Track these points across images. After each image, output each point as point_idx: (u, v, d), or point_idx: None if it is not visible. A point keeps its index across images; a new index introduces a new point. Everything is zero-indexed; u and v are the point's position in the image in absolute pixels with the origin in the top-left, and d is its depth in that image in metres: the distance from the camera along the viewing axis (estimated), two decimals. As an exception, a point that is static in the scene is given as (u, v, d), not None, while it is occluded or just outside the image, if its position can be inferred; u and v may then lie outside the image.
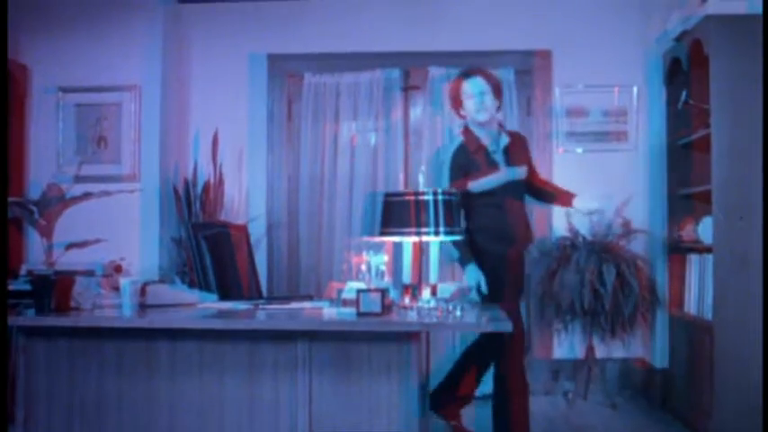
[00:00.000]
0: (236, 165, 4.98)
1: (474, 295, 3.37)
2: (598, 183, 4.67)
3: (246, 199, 5.00)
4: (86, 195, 3.82)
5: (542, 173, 4.49)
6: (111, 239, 4.24)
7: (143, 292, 3.04)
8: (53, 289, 2.81)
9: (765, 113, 3.58)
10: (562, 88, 4.88)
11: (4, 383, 2.67)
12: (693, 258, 4.18)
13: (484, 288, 3.42)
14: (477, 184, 3.54)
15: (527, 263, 3.82)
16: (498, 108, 3.66)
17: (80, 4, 4.86)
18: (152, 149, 4.79)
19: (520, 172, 3.64)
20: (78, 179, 4.55)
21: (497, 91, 3.63)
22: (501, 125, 3.74)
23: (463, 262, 3.49)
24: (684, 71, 4.24)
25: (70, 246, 3.59)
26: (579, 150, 4.87)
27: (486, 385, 3.71)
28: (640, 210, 4.72)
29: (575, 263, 4.38)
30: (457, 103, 3.64)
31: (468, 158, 3.56)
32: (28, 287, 3.23)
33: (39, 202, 3.51)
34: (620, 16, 4.86)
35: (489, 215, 3.57)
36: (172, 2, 4.97)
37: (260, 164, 5.02)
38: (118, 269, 4.35)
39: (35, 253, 4.45)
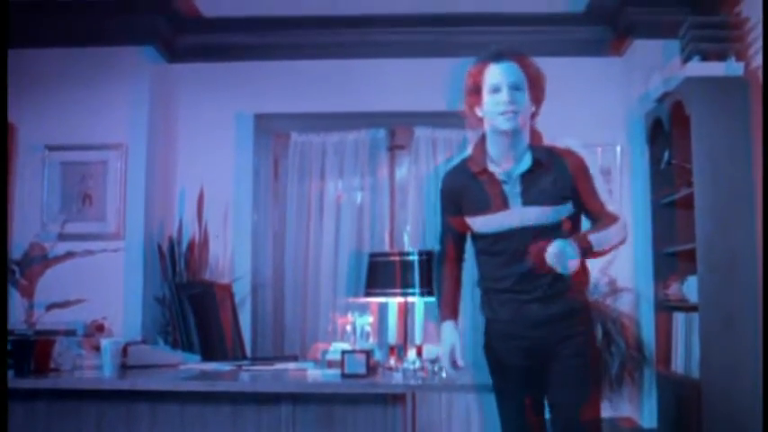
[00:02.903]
0: (222, 223, 4.97)
1: (447, 365, 2.65)
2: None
3: (231, 257, 4.97)
4: (69, 254, 3.77)
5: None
6: (94, 298, 4.18)
7: (125, 352, 3.00)
8: (33, 350, 2.77)
9: (765, 159, 3.58)
10: (546, 147, 4.92)
11: (4, 385, 2.60)
12: (680, 316, 4.18)
13: (458, 353, 2.63)
14: (474, 222, 2.61)
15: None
16: (534, 114, 2.59)
17: (67, 62, 4.87)
18: (137, 207, 4.78)
19: (545, 214, 2.51)
20: (62, 237, 4.50)
21: (537, 88, 2.56)
22: (535, 135, 2.60)
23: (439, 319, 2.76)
24: (666, 131, 4.29)
25: (51, 306, 3.53)
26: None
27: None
28: (625, 268, 4.73)
29: (561, 322, 4.36)
30: (474, 98, 2.56)
31: (465, 183, 2.62)
32: (8, 347, 3.18)
33: (21, 261, 3.47)
34: (603, 76, 4.93)
35: (490, 266, 2.64)
36: (160, 61, 5.01)
37: (245, 222, 5.01)
38: (100, 329, 4.28)
39: (15, 313, 4.39)
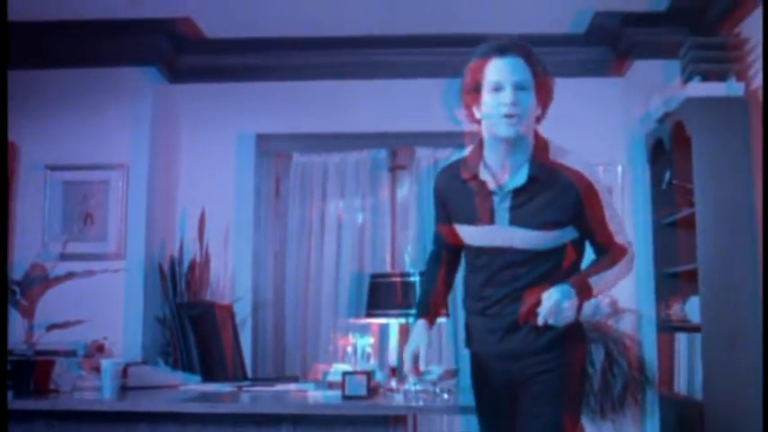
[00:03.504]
0: (223, 243, 4.96)
1: (408, 368, 2.42)
2: (584, 260, 4.68)
3: (232, 277, 4.96)
4: (70, 275, 3.77)
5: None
6: (94, 318, 4.16)
7: (125, 373, 2.99)
8: (32, 371, 2.76)
9: (766, 179, 3.58)
10: (547, 168, 4.92)
11: (4, 384, 2.58)
12: (682, 337, 4.16)
13: (422, 358, 2.39)
14: (461, 231, 2.35)
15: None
16: (539, 118, 2.27)
17: (70, 82, 4.89)
18: (138, 227, 4.78)
19: (531, 239, 2.22)
20: (63, 257, 4.50)
21: (545, 88, 2.25)
22: (540, 144, 2.27)
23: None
24: (667, 151, 4.30)
25: (52, 326, 3.52)
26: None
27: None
28: (627, 288, 4.70)
29: (563, 343, 4.34)
30: (472, 97, 2.25)
31: (454, 187, 2.35)
32: (8, 368, 3.17)
33: (21, 281, 3.47)
34: (604, 97, 4.94)
35: (471, 282, 2.41)
36: (162, 81, 5.03)
37: (246, 242, 5.01)
38: (100, 349, 4.27)
39: (15, 333, 4.37)
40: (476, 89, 2.23)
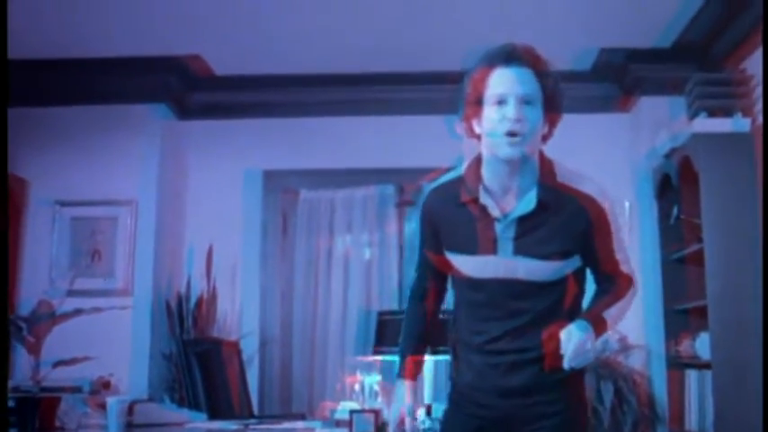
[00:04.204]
0: (230, 279, 4.96)
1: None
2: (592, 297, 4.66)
3: (239, 314, 4.95)
4: (77, 312, 3.77)
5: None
6: (101, 354, 4.16)
7: (130, 410, 2.97)
8: (37, 408, 2.74)
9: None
10: (555, 203, 4.91)
11: (5, 384, 2.55)
12: (692, 374, 4.12)
13: (408, 424, 2.14)
14: (454, 260, 2.10)
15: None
16: (546, 137, 2.04)
17: (80, 119, 4.94)
18: (146, 263, 4.78)
19: (538, 270, 2.01)
20: (71, 293, 4.50)
21: (555, 103, 2.02)
22: (546, 166, 2.05)
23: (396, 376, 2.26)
24: (674, 187, 4.29)
25: (58, 363, 3.52)
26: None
27: None
28: (636, 325, 4.68)
29: (572, 380, 4.31)
30: (473, 109, 2.00)
31: (450, 211, 2.09)
32: (12, 404, 3.16)
33: (28, 318, 3.47)
34: (610, 133, 4.95)
35: (464, 316, 2.16)
36: (171, 118, 5.07)
37: (253, 279, 5.00)
38: (106, 386, 4.25)
39: (21, 369, 4.36)
40: (477, 101, 1.98)
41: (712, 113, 3.99)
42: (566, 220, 2.00)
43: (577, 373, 2.06)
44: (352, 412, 2.69)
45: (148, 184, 4.86)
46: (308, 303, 5.00)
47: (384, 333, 3.82)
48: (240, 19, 4.30)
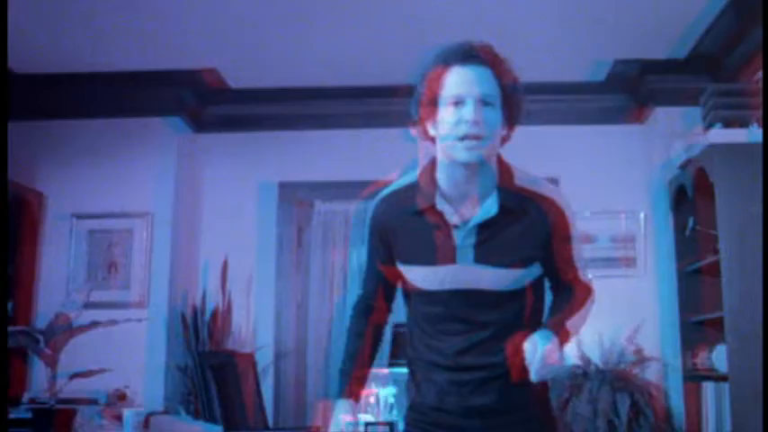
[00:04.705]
0: (245, 292, 4.97)
1: None
2: (607, 309, 4.63)
3: (254, 326, 4.96)
4: (93, 324, 3.80)
5: (550, 300, 4.50)
6: (116, 366, 4.19)
7: (146, 422, 2.98)
8: (53, 420, 2.76)
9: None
10: (569, 214, 4.89)
11: (5, 384, 2.56)
12: (709, 387, 4.09)
13: None
14: (408, 273, 1.97)
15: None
16: (505, 139, 1.91)
17: (96, 132, 4.97)
18: (162, 276, 4.80)
19: (501, 279, 1.89)
20: (87, 305, 4.53)
21: (514, 104, 1.89)
22: (504, 170, 1.94)
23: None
24: (690, 198, 4.27)
25: (75, 375, 3.55)
26: (588, 276, 4.84)
27: None
28: (652, 337, 4.65)
29: (587, 392, 4.29)
30: (428, 110, 1.88)
31: (404, 220, 1.95)
32: (29, 416, 3.18)
33: (45, 331, 3.50)
34: (625, 144, 4.95)
35: (421, 333, 2.02)
36: (187, 131, 5.10)
37: (268, 291, 5.01)
38: (121, 398, 4.29)
39: (38, 381, 4.39)
40: (432, 102, 1.85)
41: (728, 124, 3.97)
42: (528, 225, 1.89)
43: (544, 390, 1.99)
44: (366, 425, 2.68)
45: (164, 197, 4.89)
46: (323, 315, 5.01)
47: (399, 345, 3.82)
48: (254, 33, 4.33)
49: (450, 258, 1.88)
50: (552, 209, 1.91)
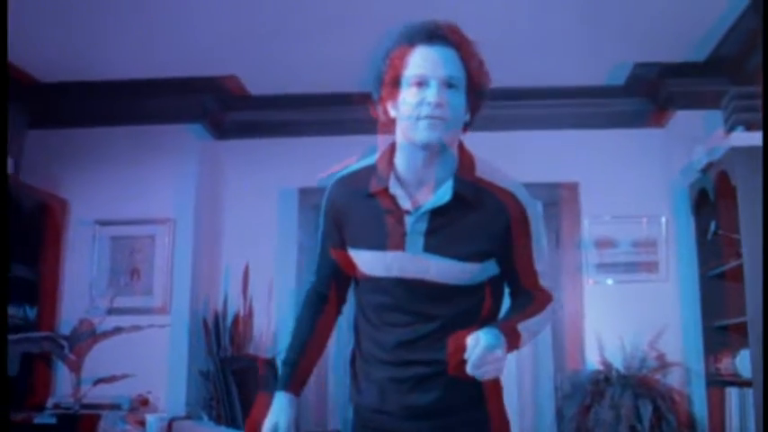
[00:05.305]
0: (266, 297, 4.99)
1: None
2: (630, 314, 4.63)
3: (275, 331, 4.97)
4: (117, 330, 3.84)
5: (572, 305, 4.46)
6: (139, 371, 4.22)
7: (169, 428, 3.01)
8: (77, 425, 2.79)
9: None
10: (590, 219, 4.89)
11: (5, 384, 2.58)
12: (733, 392, 4.06)
13: None
14: (357, 257, 1.89)
15: (559, 398, 3.70)
16: (467, 125, 1.85)
17: (118, 140, 5.01)
18: (183, 281, 4.83)
19: (451, 271, 1.80)
20: (110, 312, 4.56)
21: (479, 88, 1.81)
22: (465, 158, 1.85)
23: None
24: (711, 201, 4.25)
25: (98, 381, 3.58)
26: (609, 282, 4.83)
27: None
28: (674, 342, 4.62)
29: (609, 398, 4.26)
30: (388, 91, 1.84)
31: (356, 202, 1.90)
32: (53, 421, 3.22)
33: (69, 337, 3.54)
34: (645, 148, 4.91)
35: (363, 324, 1.97)
36: (208, 138, 5.14)
37: (289, 296, 5.02)
38: (144, 403, 4.32)
39: (63, 386, 4.43)
40: (394, 82, 1.79)
41: (749, 127, 3.95)
42: (483, 218, 1.78)
43: (495, 390, 1.87)
44: (387, 430, 2.68)
45: (186, 203, 4.92)
46: (343, 320, 5.00)
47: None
48: (275, 40, 4.36)
49: (399, 245, 1.79)
50: (511, 204, 1.80)
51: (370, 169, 1.90)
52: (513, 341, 1.73)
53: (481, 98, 1.81)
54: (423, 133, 1.73)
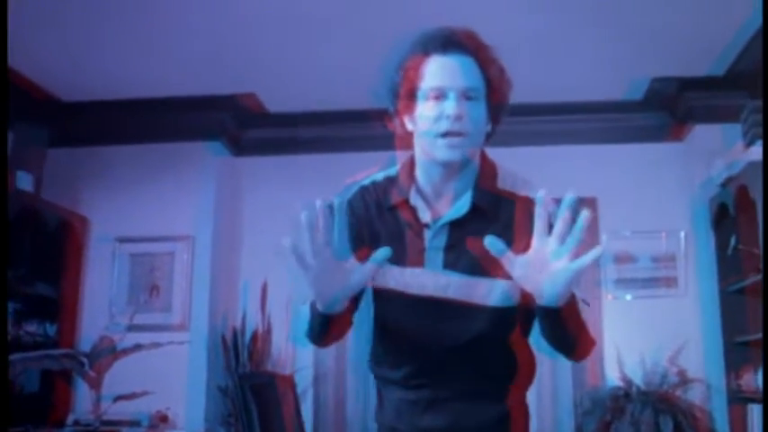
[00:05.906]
0: (284, 314, 4.99)
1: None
2: (649, 329, 4.60)
3: (294, 348, 4.97)
4: (137, 347, 3.86)
5: (591, 321, 4.44)
6: (158, 388, 4.24)
7: (188, 445, 3.01)
8: (99, 442, 2.80)
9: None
10: (609, 234, 4.86)
11: (5, 383, 2.58)
12: (755, 409, 4.01)
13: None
14: (376, 273, 1.61)
15: (578, 414, 3.68)
16: (489, 135, 1.72)
17: (138, 157, 5.05)
18: (202, 298, 4.85)
19: (472, 290, 1.67)
20: (130, 328, 4.59)
21: (500, 97, 1.70)
22: (487, 168, 1.76)
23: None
24: (731, 216, 4.22)
25: (119, 398, 3.60)
26: (628, 297, 4.80)
27: None
28: (695, 358, 4.58)
29: (629, 415, 4.23)
30: (405, 104, 1.72)
31: (378, 213, 1.78)
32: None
33: (90, 353, 3.56)
34: (664, 162, 4.90)
35: (381, 343, 1.85)
36: (226, 155, 5.17)
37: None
38: (163, 419, 4.33)
39: (83, 403, 4.46)
40: (410, 95, 1.68)
41: (769, 141, 3.92)
42: (504, 228, 1.62)
43: (520, 416, 1.76)
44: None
45: (205, 220, 4.95)
46: (362, 336, 5.00)
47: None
48: (292, 57, 4.39)
49: (419, 261, 1.69)
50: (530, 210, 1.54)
51: (392, 180, 1.81)
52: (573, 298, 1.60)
53: (503, 107, 1.71)
54: (443, 151, 1.64)
